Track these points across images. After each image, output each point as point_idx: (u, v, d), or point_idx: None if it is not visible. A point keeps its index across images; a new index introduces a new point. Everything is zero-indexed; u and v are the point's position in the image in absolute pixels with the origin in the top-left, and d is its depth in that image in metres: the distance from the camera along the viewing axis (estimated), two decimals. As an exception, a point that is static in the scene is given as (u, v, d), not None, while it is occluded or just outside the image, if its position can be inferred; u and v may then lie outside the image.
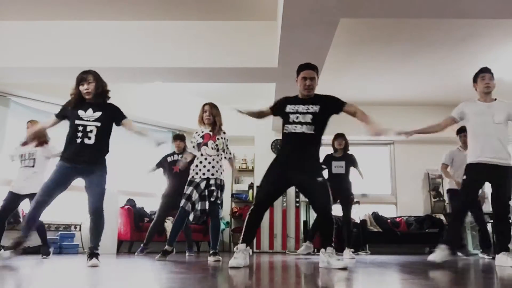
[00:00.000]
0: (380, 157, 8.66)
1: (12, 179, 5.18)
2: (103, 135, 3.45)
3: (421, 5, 3.90)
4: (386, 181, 8.58)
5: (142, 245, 5.69)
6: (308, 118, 3.33)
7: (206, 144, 4.40)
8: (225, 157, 4.54)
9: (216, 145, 4.39)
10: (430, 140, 8.48)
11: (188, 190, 4.32)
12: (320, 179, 3.22)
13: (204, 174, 4.33)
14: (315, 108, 3.36)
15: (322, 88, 7.56)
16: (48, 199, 3.31)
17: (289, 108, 3.46)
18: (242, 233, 3.32)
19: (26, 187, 4.74)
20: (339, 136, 5.77)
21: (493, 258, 5.12)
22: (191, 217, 4.34)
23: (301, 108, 3.40)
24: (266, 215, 7.64)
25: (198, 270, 3.02)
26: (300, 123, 3.32)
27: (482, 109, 3.90)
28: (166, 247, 4.38)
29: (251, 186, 8.16)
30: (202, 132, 4.49)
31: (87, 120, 3.41)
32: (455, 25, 5.19)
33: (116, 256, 5.31)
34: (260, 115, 3.76)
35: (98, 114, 3.45)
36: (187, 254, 5.70)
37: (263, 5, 4.80)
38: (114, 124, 3.57)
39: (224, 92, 7.67)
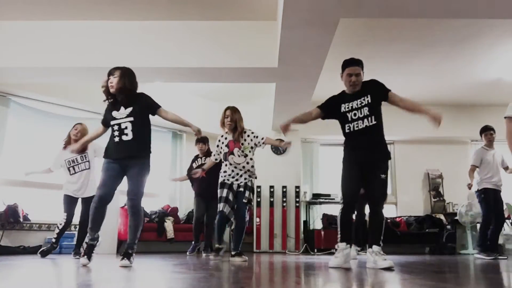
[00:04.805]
0: (380, 157, 8.66)
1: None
2: (139, 129, 3.43)
3: (421, 5, 3.90)
4: (386, 181, 8.57)
5: (193, 243, 5.72)
6: (365, 110, 3.35)
7: (232, 153, 4.43)
8: (262, 147, 4.52)
9: (243, 151, 4.41)
10: (430, 140, 8.50)
11: (223, 193, 4.37)
12: (383, 176, 3.26)
13: (234, 178, 4.40)
14: (367, 99, 3.39)
15: (322, 87, 7.60)
16: (110, 193, 3.44)
17: (343, 107, 3.45)
18: (339, 232, 3.41)
19: (82, 190, 4.86)
20: None
21: (495, 258, 5.12)
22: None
23: (355, 104, 3.40)
24: (266, 215, 7.72)
25: (198, 270, 3.02)
26: (357, 119, 3.35)
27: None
28: (217, 245, 4.52)
29: (251, 186, 8.16)
30: (226, 139, 4.52)
31: (120, 118, 3.45)
32: (455, 25, 5.18)
33: (116, 256, 5.31)
34: (306, 117, 3.61)
35: (130, 109, 3.47)
36: (203, 254, 5.70)
37: (263, 5, 4.80)
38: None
39: (224, 92, 7.67)
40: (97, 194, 3.42)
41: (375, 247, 3.22)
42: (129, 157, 3.38)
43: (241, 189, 4.36)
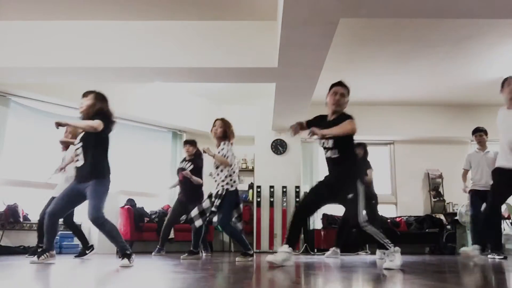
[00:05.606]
0: (380, 157, 8.66)
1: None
2: (88, 153, 3.47)
3: (421, 5, 3.90)
4: (386, 181, 8.57)
5: (158, 246, 5.67)
6: (330, 143, 3.39)
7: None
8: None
9: (214, 162, 4.49)
10: (430, 140, 8.50)
11: (204, 200, 4.56)
12: (350, 195, 3.27)
13: (215, 187, 4.49)
14: None
15: (322, 87, 7.63)
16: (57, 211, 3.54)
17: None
18: (286, 233, 3.53)
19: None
20: (358, 145, 5.78)
21: (505, 257, 5.11)
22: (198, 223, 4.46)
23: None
24: (266, 215, 7.73)
25: (198, 270, 3.02)
26: (326, 148, 3.42)
27: (506, 116, 3.91)
28: (192, 248, 4.67)
29: (251, 186, 8.16)
30: None
31: (77, 144, 3.55)
32: (455, 25, 5.18)
33: (116, 256, 5.31)
34: (302, 127, 3.69)
35: (82, 134, 3.52)
36: (204, 254, 5.71)
37: (263, 5, 4.80)
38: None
39: (224, 92, 7.67)
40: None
41: (386, 251, 3.25)
42: (83, 181, 3.46)
43: (213, 198, 4.43)
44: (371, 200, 5.62)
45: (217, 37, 5.18)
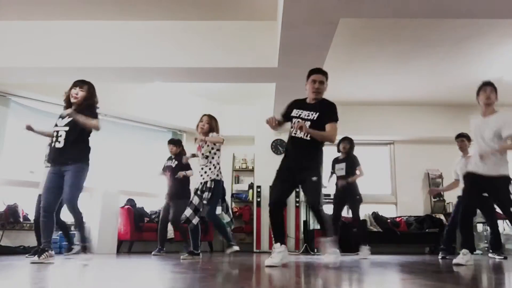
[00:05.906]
0: (380, 157, 8.66)
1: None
2: (72, 137, 3.55)
3: (421, 5, 3.90)
4: (386, 181, 8.57)
5: (158, 246, 5.71)
6: (307, 124, 3.40)
7: (199, 155, 4.63)
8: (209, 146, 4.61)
9: (203, 154, 4.55)
10: (430, 140, 8.50)
11: (192, 197, 4.61)
12: (314, 178, 3.34)
13: (201, 178, 4.57)
14: (314, 115, 3.44)
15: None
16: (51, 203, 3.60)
17: (294, 112, 3.56)
18: (272, 233, 3.55)
19: None
20: (344, 140, 5.83)
21: (505, 257, 5.12)
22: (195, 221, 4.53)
23: (304, 113, 3.49)
24: (266, 215, 7.69)
25: (198, 270, 3.03)
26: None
27: (478, 123, 3.91)
28: (192, 249, 4.71)
29: (251, 186, 8.15)
30: None
31: (60, 126, 3.62)
32: (455, 25, 5.18)
33: (116, 256, 5.31)
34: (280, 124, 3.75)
35: (70, 119, 3.58)
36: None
37: (263, 5, 4.80)
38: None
39: (224, 92, 7.67)
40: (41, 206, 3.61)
41: (326, 239, 3.33)
42: (60, 163, 3.53)
43: (200, 192, 4.51)
44: (355, 195, 5.66)
45: (217, 37, 5.18)
